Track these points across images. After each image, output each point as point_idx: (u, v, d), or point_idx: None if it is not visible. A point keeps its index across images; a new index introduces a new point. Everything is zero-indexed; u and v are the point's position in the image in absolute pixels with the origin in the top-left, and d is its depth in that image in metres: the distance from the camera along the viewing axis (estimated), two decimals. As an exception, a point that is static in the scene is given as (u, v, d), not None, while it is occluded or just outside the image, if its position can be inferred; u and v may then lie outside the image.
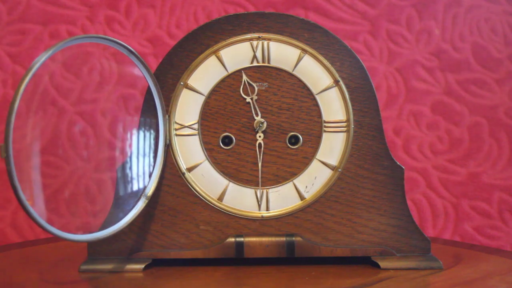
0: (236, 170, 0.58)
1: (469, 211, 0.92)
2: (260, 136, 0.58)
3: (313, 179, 0.58)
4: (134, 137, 0.60)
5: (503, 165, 0.93)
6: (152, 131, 0.59)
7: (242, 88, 0.58)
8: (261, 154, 0.58)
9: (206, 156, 0.58)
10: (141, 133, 0.59)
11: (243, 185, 0.58)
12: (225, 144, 0.59)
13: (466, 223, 0.92)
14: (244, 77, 0.58)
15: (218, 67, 0.58)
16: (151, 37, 0.93)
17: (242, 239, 0.58)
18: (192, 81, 0.58)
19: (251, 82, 0.58)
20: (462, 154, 0.93)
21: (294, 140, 0.59)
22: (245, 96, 0.58)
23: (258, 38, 0.58)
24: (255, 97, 0.58)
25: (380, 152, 0.58)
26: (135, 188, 0.60)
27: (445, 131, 0.93)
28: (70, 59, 0.90)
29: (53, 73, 0.90)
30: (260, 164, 0.58)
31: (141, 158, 0.60)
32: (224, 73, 0.58)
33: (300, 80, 0.58)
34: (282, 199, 0.59)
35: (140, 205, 0.57)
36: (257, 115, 0.58)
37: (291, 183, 0.58)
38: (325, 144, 0.58)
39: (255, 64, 0.58)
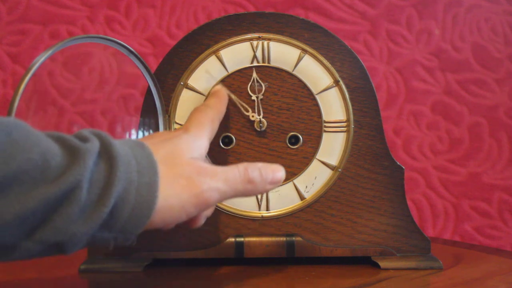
0: (236, 170, 0.58)
1: (469, 211, 0.92)
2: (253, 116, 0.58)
3: (313, 179, 0.58)
4: (134, 137, 0.60)
5: (503, 165, 0.93)
6: (152, 131, 0.59)
7: (250, 86, 0.58)
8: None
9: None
10: (141, 133, 0.59)
11: (243, 185, 0.58)
12: (225, 144, 0.58)
13: (466, 223, 0.92)
14: (254, 75, 0.58)
15: (218, 67, 0.58)
16: (151, 37, 0.93)
17: (242, 239, 0.58)
18: (192, 81, 0.58)
19: (260, 81, 0.58)
20: (462, 154, 0.93)
21: (294, 140, 0.59)
22: (251, 94, 0.58)
23: (258, 38, 0.58)
24: (260, 96, 0.58)
25: (380, 152, 0.58)
26: (135, 188, 0.60)
27: (445, 131, 0.93)
28: (70, 59, 0.90)
29: (53, 73, 0.90)
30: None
31: (141, 158, 0.60)
32: (224, 73, 0.58)
33: (300, 80, 0.58)
34: (282, 199, 0.59)
35: (140, 205, 0.57)
36: (259, 114, 0.58)
37: (291, 183, 0.58)
38: (325, 144, 0.58)
39: (255, 64, 0.58)
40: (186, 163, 0.43)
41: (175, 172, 0.42)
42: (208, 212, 0.46)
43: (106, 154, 0.39)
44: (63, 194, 0.35)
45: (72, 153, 0.37)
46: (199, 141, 0.47)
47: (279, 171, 0.47)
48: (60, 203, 0.35)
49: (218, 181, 0.44)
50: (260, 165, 0.47)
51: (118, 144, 0.40)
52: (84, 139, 0.39)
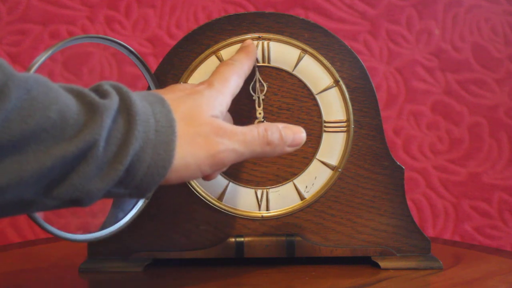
0: (236, 170, 0.58)
1: (469, 211, 0.92)
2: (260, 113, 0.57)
3: (313, 179, 0.58)
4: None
5: (503, 165, 0.93)
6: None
7: (252, 85, 0.58)
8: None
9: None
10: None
11: (243, 185, 0.58)
12: (225, 144, 0.58)
13: (466, 223, 0.92)
14: (257, 74, 0.57)
15: (218, 67, 0.58)
16: (151, 37, 0.94)
17: (242, 239, 0.58)
18: (192, 81, 0.58)
19: (262, 81, 0.58)
20: (462, 154, 0.93)
21: (294, 140, 0.58)
22: (253, 93, 0.58)
23: (258, 38, 0.58)
24: (262, 96, 0.58)
25: (380, 152, 0.58)
26: (135, 188, 0.60)
27: (445, 131, 0.93)
28: (70, 59, 0.90)
29: (53, 73, 0.90)
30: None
31: (141, 158, 0.60)
32: (224, 73, 0.58)
33: (300, 80, 0.58)
34: (282, 199, 0.58)
35: (140, 205, 0.57)
36: (260, 114, 0.58)
37: (291, 183, 0.58)
38: (325, 144, 0.58)
39: (255, 64, 0.58)
40: (205, 122, 0.43)
41: (194, 131, 0.42)
42: (223, 168, 0.46)
43: (125, 111, 0.38)
44: (80, 152, 0.36)
45: (91, 110, 0.37)
46: (221, 97, 0.47)
47: (300, 133, 0.48)
48: (77, 161, 0.36)
49: (236, 142, 0.44)
50: (281, 126, 0.47)
51: (137, 100, 0.40)
52: (103, 94, 0.39)
